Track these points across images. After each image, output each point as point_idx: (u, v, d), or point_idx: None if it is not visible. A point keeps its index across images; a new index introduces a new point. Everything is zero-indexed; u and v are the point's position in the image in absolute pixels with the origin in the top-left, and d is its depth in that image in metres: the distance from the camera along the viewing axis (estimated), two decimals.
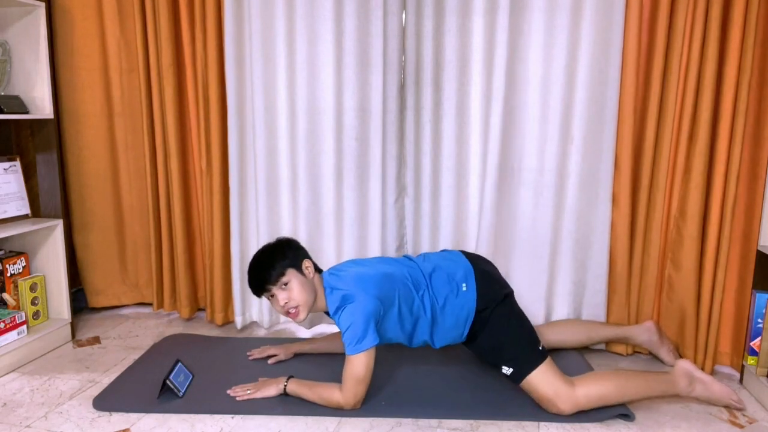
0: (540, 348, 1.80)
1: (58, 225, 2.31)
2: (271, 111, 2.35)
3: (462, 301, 1.84)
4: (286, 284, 1.79)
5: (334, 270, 1.89)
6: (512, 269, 2.30)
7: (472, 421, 1.75)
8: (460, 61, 2.23)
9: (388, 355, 2.14)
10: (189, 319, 2.64)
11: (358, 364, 1.71)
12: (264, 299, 2.44)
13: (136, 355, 2.23)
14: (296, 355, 2.18)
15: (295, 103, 2.32)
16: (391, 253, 2.40)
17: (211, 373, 2.04)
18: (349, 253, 2.38)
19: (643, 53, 2.07)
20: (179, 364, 1.96)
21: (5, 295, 2.25)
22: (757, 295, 1.94)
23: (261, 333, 2.51)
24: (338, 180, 2.36)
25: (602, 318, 2.25)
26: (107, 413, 1.79)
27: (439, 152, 2.32)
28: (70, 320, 2.38)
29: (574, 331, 2.16)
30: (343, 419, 1.75)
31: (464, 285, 1.85)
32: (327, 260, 2.39)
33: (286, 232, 2.40)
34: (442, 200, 2.35)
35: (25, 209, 2.32)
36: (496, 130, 2.20)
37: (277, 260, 1.80)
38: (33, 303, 2.29)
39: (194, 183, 2.58)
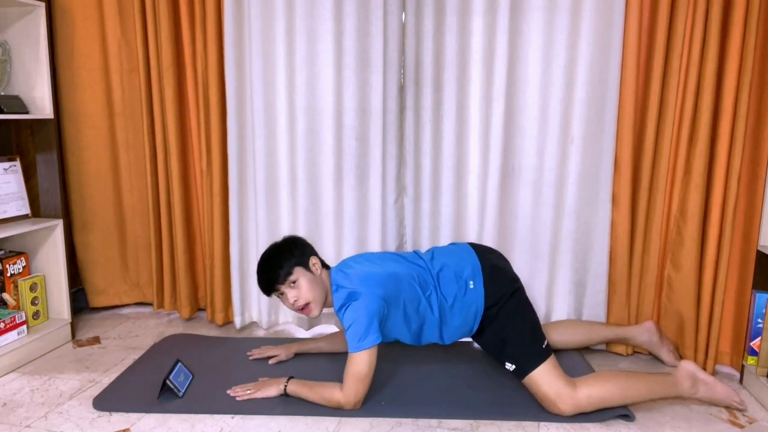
0: (544, 345, 1.79)
1: (58, 225, 2.31)
2: (270, 111, 2.35)
3: (470, 299, 1.83)
4: (294, 282, 1.81)
5: (343, 266, 1.89)
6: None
7: (472, 421, 1.75)
8: (460, 60, 2.23)
9: (388, 354, 2.14)
10: (189, 319, 2.64)
11: (361, 362, 1.71)
12: (265, 300, 2.48)
13: (136, 355, 2.23)
14: (297, 355, 2.18)
15: (295, 103, 2.32)
16: None
17: (211, 373, 2.04)
18: (349, 254, 2.38)
19: (643, 53, 2.07)
20: (179, 364, 1.96)
21: (5, 295, 2.25)
22: (757, 295, 1.94)
23: (260, 333, 2.51)
24: (338, 180, 2.36)
25: (602, 318, 2.25)
26: (107, 413, 1.79)
27: (439, 152, 2.32)
28: (70, 320, 2.38)
29: (574, 332, 2.16)
30: (343, 419, 1.75)
31: (472, 283, 1.84)
32: (327, 260, 2.38)
33: (285, 233, 2.40)
34: (442, 200, 2.35)
35: (25, 209, 2.32)
36: (496, 130, 2.21)
37: (284, 259, 1.82)
38: (33, 303, 2.29)
39: (194, 183, 2.58)
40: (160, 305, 2.68)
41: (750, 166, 2.00)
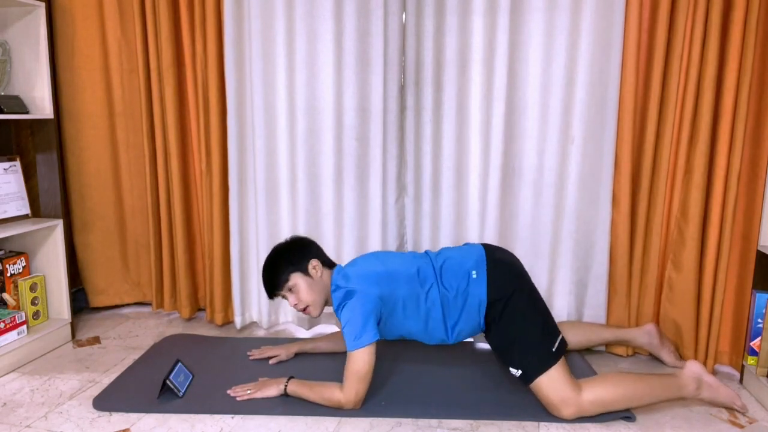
0: (555, 348, 1.76)
1: (58, 225, 2.31)
2: (271, 111, 2.35)
3: (472, 290, 1.81)
4: (292, 288, 1.86)
5: (348, 265, 1.90)
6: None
7: (472, 421, 1.75)
8: (461, 61, 2.23)
9: (388, 354, 2.14)
10: (189, 319, 2.64)
11: (359, 361, 1.71)
12: (265, 300, 2.48)
13: (136, 355, 2.23)
14: (297, 355, 2.18)
15: (295, 103, 2.33)
16: None
17: (211, 373, 2.04)
18: (349, 253, 2.38)
19: (643, 53, 2.07)
20: (179, 364, 1.96)
21: (5, 295, 2.25)
22: (757, 295, 1.94)
23: (260, 333, 2.50)
24: (338, 180, 2.36)
25: (603, 318, 2.25)
26: (107, 413, 1.79)
27: (440, 152, 2.32)
28: (70, 320, 2.38)
29: (575, 333, 2.16)
30: (343, 419, 1.75)
31: (474, 272, 1.83)
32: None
33: (285, 233, 2.40)
34: (442, 200, 2.35)
35: (25, 209, 2.32)
36: (496, 130, 2.21)
37: (281, 267, 1.86)
38: (33, 303, 2.29)
39: (194, 183, 2.58)
40: (160, 305, 2.68)
41: (750, 166, 2.00)
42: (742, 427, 1.73)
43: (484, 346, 2.29)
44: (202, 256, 2.64)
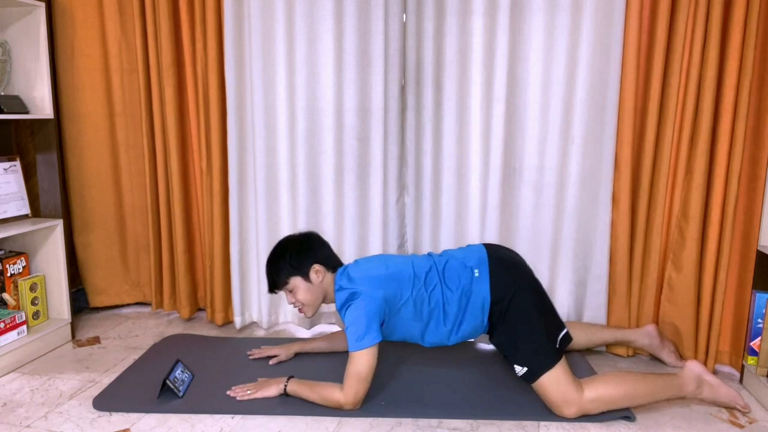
0: (556, 348, 1.76)
1: (58, 225, 2.31)
2: (271, 111, 2.35)
3: (476, 288, 1.81)
4: (291, 290, 1.89)
5: (351, 266, 1.90)
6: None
7: (472, 421, 1.75)
8: (461, 61, 2.23)
9: (388, 354, 2.14)
10: (189, 319, 2.64)
11: (361, 362, 1.71)
12: (265, 300, 2.48)
13: (136, 355, 2.23)
14: (297, 355, 2.18)
15: (295, 103, 2.33)
16: (393, 252, 2.40)
17: (211, 373, 2.04)
18: (349, 253, 2.38)
19: (643, 53, 2.07)
20: (179, 364, 1.96)
21: (5, 295, 2.25)
22: (757, 295, 1.94)
23: (260, 333, 2.50)
24: (339, 180, 2.36)
25: (603, 318, 2.25)
26: (107, 413, 1.79)
27: (440, 152, 2.32)
28: (70, 320, 2.38)
29: (575, 334, 2.15)
30: (343, 419, 1.75)
31: (477, 271, 1.83)
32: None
33: (285, 233, 2.40)
34: (443, 199, 2.35)
35: (25, 209, 2.32)
36: (496, 130, 2.21)
37: (281, 268, 1.88)
38: (33, 303, 2.29)
39: (194, 183, 2.58)
40: (160, 305, 2.68)
41: (750, 167, 2.00)
42: (742, 427, 1.73)
43: (485, 346, 2.29)
44: (201, 256, 2.64)
